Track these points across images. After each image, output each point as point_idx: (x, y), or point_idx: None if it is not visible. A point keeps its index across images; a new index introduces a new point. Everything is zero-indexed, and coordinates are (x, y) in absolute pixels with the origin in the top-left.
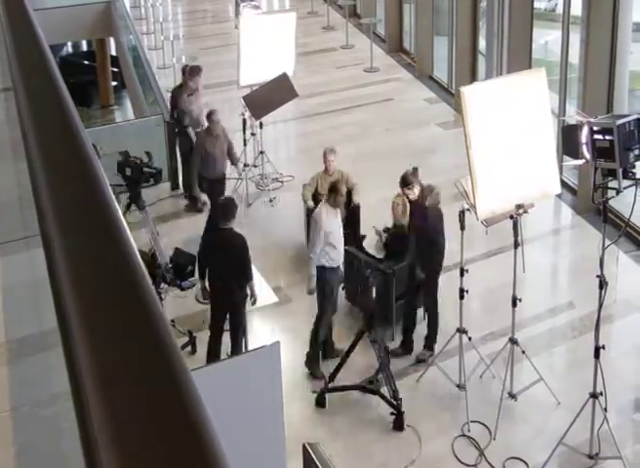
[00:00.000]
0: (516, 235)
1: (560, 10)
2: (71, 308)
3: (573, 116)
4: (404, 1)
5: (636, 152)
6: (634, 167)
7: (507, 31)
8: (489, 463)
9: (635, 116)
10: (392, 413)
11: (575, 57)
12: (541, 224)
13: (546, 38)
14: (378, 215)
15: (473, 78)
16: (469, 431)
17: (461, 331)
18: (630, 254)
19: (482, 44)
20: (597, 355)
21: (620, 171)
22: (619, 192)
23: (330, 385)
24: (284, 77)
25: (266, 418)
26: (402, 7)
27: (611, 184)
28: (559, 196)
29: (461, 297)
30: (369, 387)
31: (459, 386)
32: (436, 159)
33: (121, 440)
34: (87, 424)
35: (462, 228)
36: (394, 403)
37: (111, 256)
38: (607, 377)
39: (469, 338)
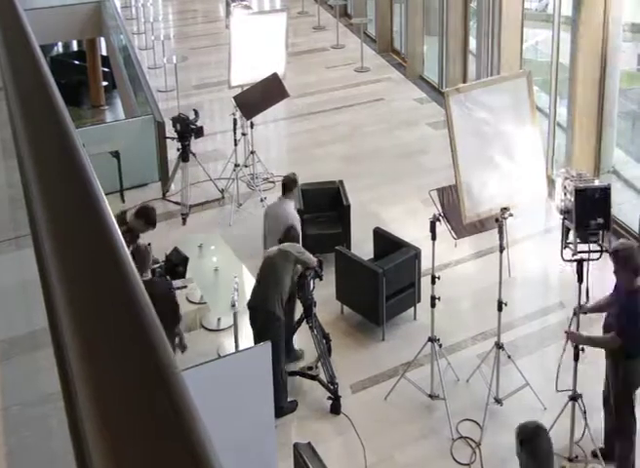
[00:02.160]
0: (501, 239)
1: (551, 10)
2: (62, 308)
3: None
4: (394, 1)
5: (600, 221)
6: (596, 235)
7: (498, 31)
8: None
9: (603, 184)
10: (329, 398)
11: (565, 57)
12: (533, 224)
13: (537, 38)
14: (369, 215)
15: (464, 78)
16: (453, 437)
17: (433, 339)
18: None
19: (473, 44)
20: (577, 358)
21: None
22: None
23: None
24: (275, 77)
25: (257, 417)
26: (393, 7)
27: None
28: (550, 196)
29: (433, 305)
30: (308, 373)
31: (431, 396)
32: (427, 159)
33: (112, 439)
34: (77, 424)
35: (434, 238)
36: (331, 388)
37: (102, 256)
38: (599, 377)
39: (440, 346)
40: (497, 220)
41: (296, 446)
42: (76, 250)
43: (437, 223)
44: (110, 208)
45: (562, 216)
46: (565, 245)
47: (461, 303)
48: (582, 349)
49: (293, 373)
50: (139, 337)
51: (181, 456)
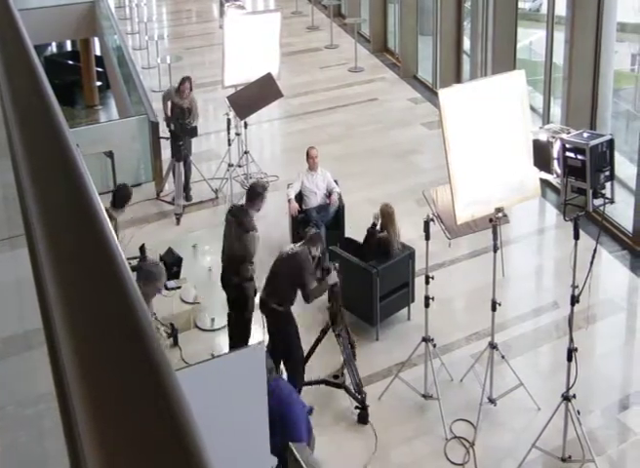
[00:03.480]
0: (495, 239)
1: (544, 10)
2: (55, 308)
3: (543, 130)
4: (388, 1)
5: (607, 173)
6: (604, 187)
7: (492, 31)
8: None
9: (607, 137)
10: (357, 407)
11: (559, 56)
12: (526, 224)
13: (531, 38)
14: (362, 215)
15: (458, 78)
16: (447, 437)
17: (427, 339)
18: (614, 254)
19: (466, 44)
20: (570, 358)
21: (591, 191)
22: (587, 211)
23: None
24: (268, 77)
25: (251, 418)
26: (386, 7)
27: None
28: (544, 195)
29: (427, 305)
30: (334, 381)
31: (424, 396)
32: (421, 159)
33: (105, 440)
34: (71, 424)
35: (427, 238)
36: (359, 397)
37: (96, 257)
38: (592, 377)
39: (434, 346)
40: (490, 220)
41: (290, 445)
42: (70, 250)
43: (431, 223)
44: (104, 208)
45: (564, 177)
46: (566, 203)
47: (455, 303)
48: (576, 349)
49: (316, 382)
50: (133, 337)
51: (175, 456)
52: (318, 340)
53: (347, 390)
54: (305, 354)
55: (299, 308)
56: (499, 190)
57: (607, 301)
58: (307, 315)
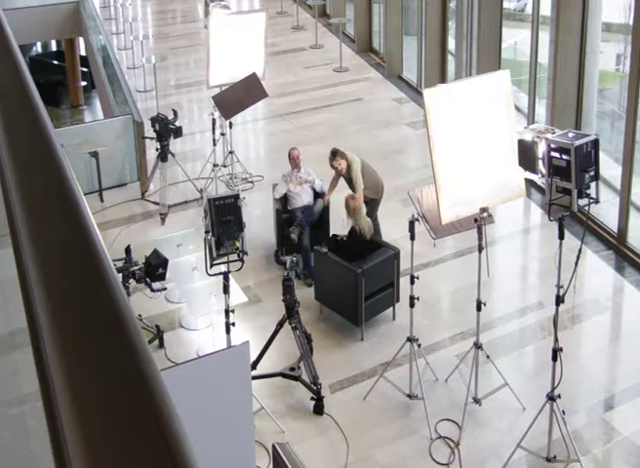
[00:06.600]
0: (480, 239)
1: (529, 10)
2: (40, 308)
3: (528, 130)
4: (373, 1)
5: (592, 173)
6: (589, 187)
7: (477, 31)
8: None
9: (592, 137)
10: (312, 398)
11: (544, 56)
12: (511, 224)
13: (516, 38)
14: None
15: (443, 78)
16: (432, 437)
17: (412, 339)
18: (599, 254)
19: (451, 44)
20: (555, 357)
21: (575, 192)
22: (573, 212)
23: (253, 373)
24: (253, 77)
25: (236, 417)
26: (371, 7)
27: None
28: (528, 195)
29: (412, 305)
30: (290, 374)
31: (409, 396)
32: (406, 159)
33: (90, 440)
34: (56, 424)
35: (412, 238)
36: (314, 388)
37: (81, 256)
38: (577, 377)
39: (418, 346)
40: (475, 220)
41: (274, 446)
42: (54, 250)
43: (416, 223)
44: (89, 208)
45: (549, 177)
46: (551, 203)
47: (440, 303)
48: (561, 349)
49: (275, 375)
50: (117, 336)
51: (160, 456)
52: (275, 333)
53: (303, 382)
54: (263, 347)
55: (262, 301)
56: (483, 190)
57: (592, 301)
58: (267, 307)
